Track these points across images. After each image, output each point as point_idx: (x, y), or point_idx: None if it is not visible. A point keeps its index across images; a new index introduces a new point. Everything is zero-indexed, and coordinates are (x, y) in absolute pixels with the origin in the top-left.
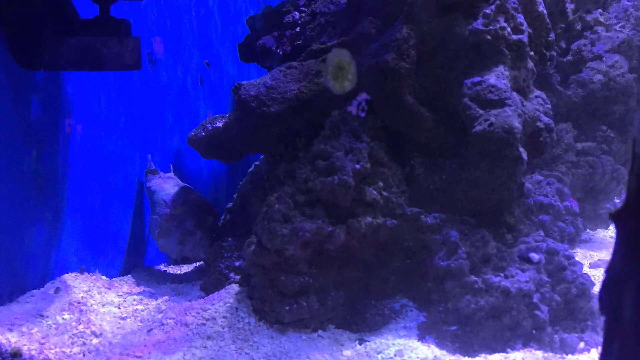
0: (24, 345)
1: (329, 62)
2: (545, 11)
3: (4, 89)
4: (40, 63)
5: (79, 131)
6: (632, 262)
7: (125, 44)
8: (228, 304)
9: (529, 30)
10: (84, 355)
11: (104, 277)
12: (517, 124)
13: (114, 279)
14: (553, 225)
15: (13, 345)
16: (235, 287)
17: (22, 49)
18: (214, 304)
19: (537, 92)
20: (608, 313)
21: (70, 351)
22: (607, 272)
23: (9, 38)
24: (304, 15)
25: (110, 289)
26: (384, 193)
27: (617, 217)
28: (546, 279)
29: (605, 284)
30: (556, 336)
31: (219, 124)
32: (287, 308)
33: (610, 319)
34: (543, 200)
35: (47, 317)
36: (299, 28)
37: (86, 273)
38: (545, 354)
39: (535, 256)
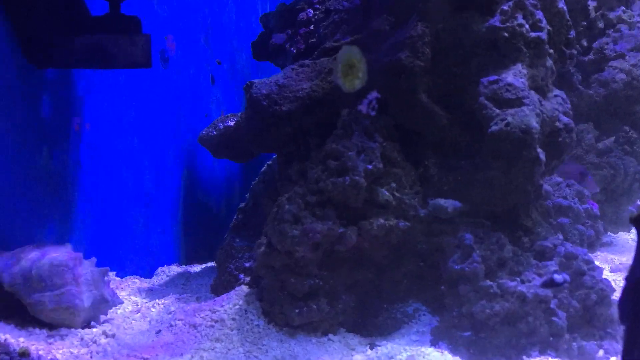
0: (32, 344)
1: (338, 59)
2: (565, 8)
3: (17, 87)
4: (51, 61)
5: (88, 129)
6: None
7: (136, 41)
8: (237, 306)
9: (548, 28)
10: (91, 356)
11: (117, 278)
12: (535, 123)
13: (125, 278)
14: (572, 228)
15: (21, 345)
16: (244, 289)
17: (33, 47)
18: (223, 306)
19: (557, 92)
20: (628, 321)
21: (78, 352)
22: (627, 279)
23: (21, 36)
24: (317, 12)
25: (120, 288)
26: (397, 194)
27: (638, 221)
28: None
29: (625, 290)
30: (574, 344)
31: (231, 123)
32: (296, 311)
33: (630, 327)
34: (562, 203)
35: None
36: (312, 26)
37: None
38: None
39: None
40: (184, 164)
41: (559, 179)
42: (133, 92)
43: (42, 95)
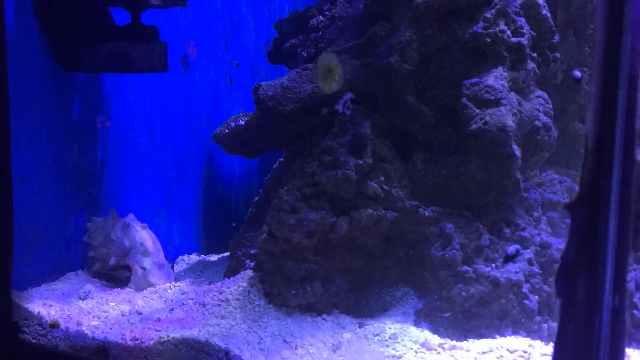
0: (61, 318)
1: (318, 64)
2: (549, 15)
3: (49, 89)
4: (79, 65)
5: (115, 127)
6: (584, 249)
7: (153, 48)
8: (241, 288)
9: (532, 33)
10: (111, 328)
11: None
12: (510, 122)
13: None
14: (560, 222)
15: (52, 318)
16: (249, 273)
17: (64, 52)
18: (229, 287)
19: (539, 92)
20: (563, 296)
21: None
22: (562, 258)
23: (53, 42)
24: (324, 19)
25: None
26: (385, 187)
27: (571, 208)
28: (537, 270)
29: (560, 269)
30: (545, 325)
31: (241, 122)
32: (293, 292)
33: (565, 301)
34: (552, 198)
35: (85, 295)
36: (321, 32)
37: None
38: (532, 341)
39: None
40: (204, 160)
41: (555, 176)
42: (157, 94)
43: (72, 97)
